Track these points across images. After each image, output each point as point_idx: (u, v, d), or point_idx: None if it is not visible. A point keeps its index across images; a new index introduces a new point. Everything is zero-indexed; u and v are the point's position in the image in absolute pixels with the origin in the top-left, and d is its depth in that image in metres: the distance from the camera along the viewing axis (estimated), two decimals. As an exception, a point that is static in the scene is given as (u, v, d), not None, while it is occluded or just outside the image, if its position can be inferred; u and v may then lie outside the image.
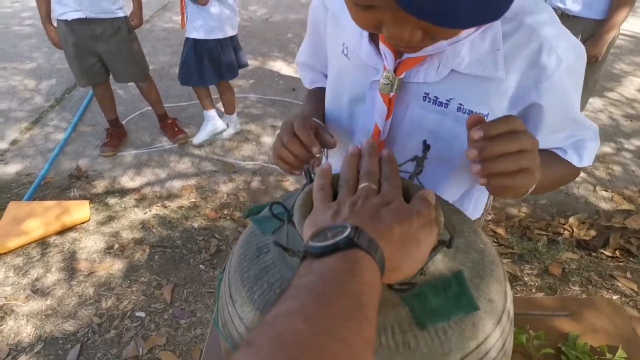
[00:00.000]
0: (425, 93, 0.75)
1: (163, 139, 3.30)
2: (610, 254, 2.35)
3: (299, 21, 4.99)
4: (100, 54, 2.87)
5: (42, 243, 2.41)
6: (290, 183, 2.89)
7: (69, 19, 2.71)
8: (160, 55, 4.38)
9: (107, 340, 1.94)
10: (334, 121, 0.93)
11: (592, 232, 2.49)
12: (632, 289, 2.13)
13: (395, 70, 0.75)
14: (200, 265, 2.28)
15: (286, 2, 5.54)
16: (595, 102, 3.69)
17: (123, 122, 3.36)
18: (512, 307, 0.57)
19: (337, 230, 0.43)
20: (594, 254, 2.36)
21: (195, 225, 2.55)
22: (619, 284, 2.15)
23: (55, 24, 2.82)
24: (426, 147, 0.63)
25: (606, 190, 2.79)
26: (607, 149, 3.17)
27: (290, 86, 3.96)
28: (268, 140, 3.32)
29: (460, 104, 0.74)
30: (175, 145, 3.24)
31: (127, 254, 2.35)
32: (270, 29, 4.54)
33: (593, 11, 2.40)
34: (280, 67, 4.23)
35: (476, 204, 0.97)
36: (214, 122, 3.25)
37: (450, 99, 0.74)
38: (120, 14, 2.82)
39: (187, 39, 2.94)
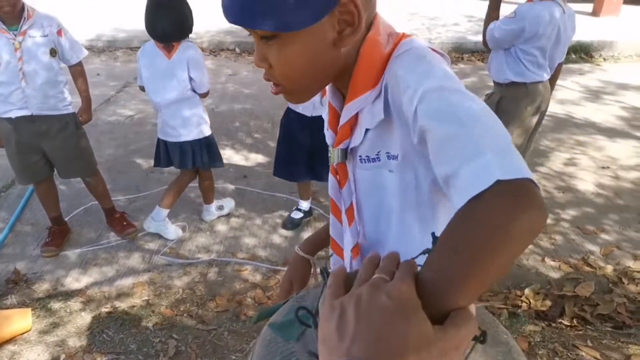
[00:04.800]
0: (359, 156, 0.85)
1: (110, 235, 3.15)
2: (568, 323, 2.42)
3: (244, 110, 5.13)
4: (45, 150, 2.77)
5: (-26, 360, 2.15)
6: (249, 272, 2.81)
7: (13, 117, 2.62)
8: (105, 148, 4.30)
9: None
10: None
11: (548, 302, 2.57)
12: (595, 357, 2.18)
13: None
14: (159, 371, 2.11)
15: (231, 93, 5.72)
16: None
17: (66, 219, 3.19)
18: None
19: None
20: (553, 324, 2.43)
21: (150, 325, 2.38)
22: (583, 353, 2.20)
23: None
24: (435, 239, 0.64)
25: (553, 260, 2.93)
26: (548, 220, 3.36)
27: (242, 173, 3.98)
28: (222, 228, 3.25)
29: (388, 152, 0.81)
30: (124, 240, 3.09)
31: (75, 365, 2.13)
32: (217, 119, 4.63)
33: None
34: (230, 155, 4.26)
35: None
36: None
37: (379, 152, 0.82)
38: (69, 110, 2.76)
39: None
